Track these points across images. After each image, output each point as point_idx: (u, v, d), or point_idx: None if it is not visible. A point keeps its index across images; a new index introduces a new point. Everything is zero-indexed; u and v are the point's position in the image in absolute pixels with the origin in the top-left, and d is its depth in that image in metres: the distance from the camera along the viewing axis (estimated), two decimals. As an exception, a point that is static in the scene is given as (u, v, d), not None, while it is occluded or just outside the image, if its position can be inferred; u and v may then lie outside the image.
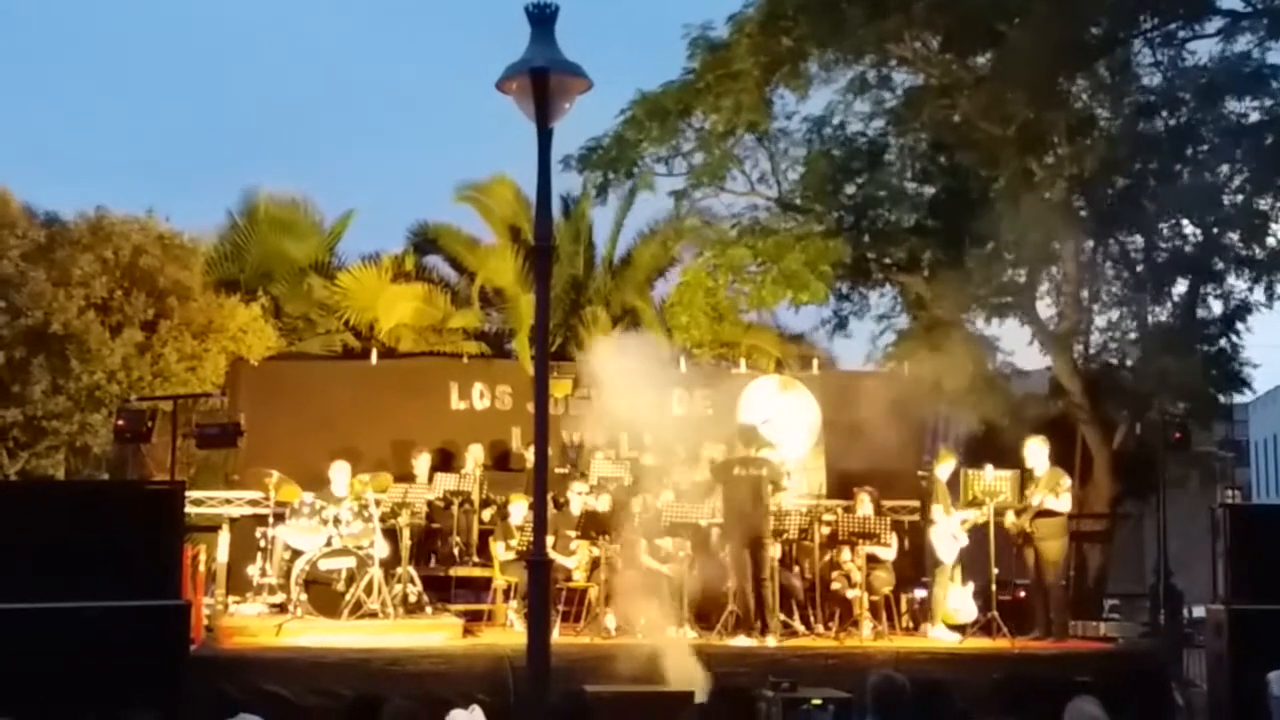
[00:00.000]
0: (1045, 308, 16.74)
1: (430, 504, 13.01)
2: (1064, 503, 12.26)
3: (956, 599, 12.38)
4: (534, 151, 7.52)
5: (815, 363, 16.95)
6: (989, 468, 12.56)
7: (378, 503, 12.10)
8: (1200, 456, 16.56)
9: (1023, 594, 12.70)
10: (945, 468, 12.78)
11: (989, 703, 8.12)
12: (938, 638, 12.19)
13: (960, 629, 12.28)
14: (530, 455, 12.40)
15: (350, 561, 11.60)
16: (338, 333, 17.52)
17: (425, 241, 19.05)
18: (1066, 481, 12.43)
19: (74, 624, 8.84)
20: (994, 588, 12.27)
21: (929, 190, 16.74)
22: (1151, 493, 14.96)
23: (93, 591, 8.95)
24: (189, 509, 11.54)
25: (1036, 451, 12.42)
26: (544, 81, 7.21)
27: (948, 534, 12.41)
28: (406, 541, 12.20)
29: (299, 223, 18.65)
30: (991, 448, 14.38)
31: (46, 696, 8.33)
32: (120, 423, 12.48)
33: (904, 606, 13.04)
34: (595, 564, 12.13)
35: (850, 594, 12.53)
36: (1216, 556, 10.96)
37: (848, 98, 16.69)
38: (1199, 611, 12.23)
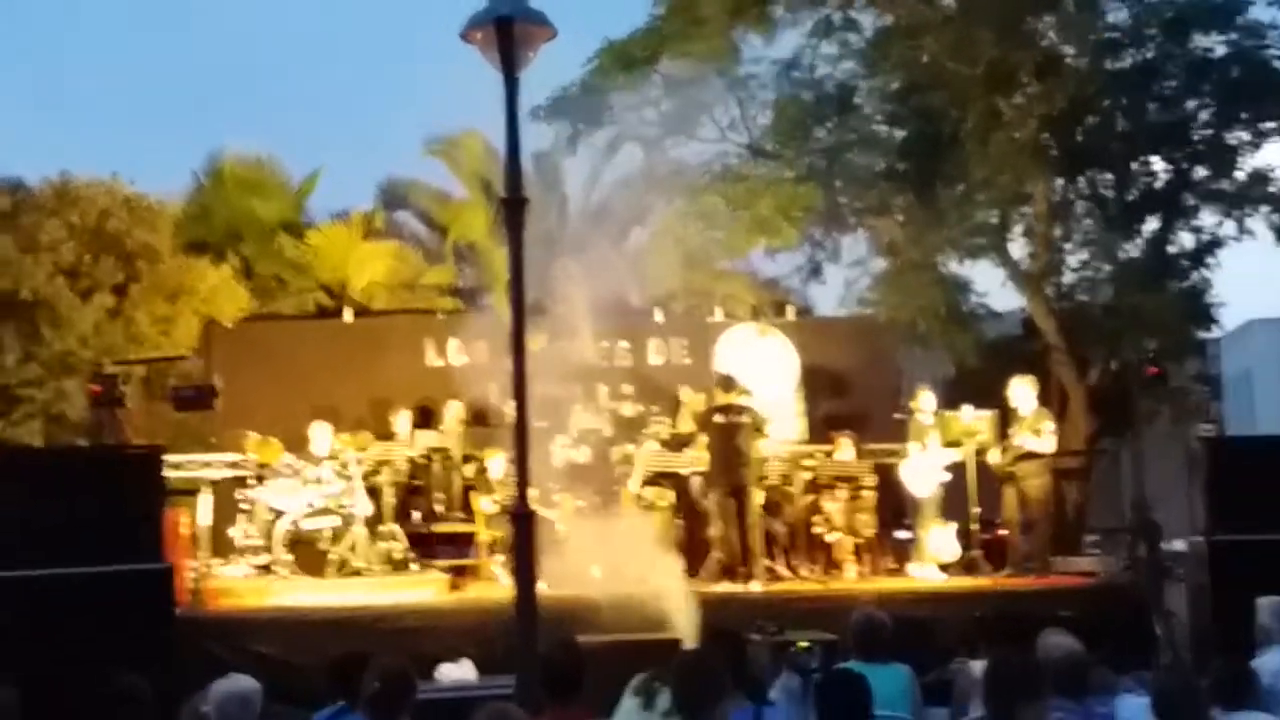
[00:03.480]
0: (1018, 248, 16.83)
1: (411, 461, 12.98)
2: (1047, 444, 12.33)
3: (938, 538, 12.47)
4: (502, 103, 7.46)
5: (790, 309, 16.95)
6: (967, 408, 12.63)
7: (359, 461, 12.09)
8: (1175, 392, 16.66)
9: (1003, 532, 12.79)
10: (926, 399, 12.77)
11: (972, 639, 8.18)
12: (922, 577, 12.28)
13: (944, 568, 12.38)
14: (509, 410, 12.37)
15: (333, 521, 11.61)
16: (310, 292, 17.42)
17: (395, 198, 18.95)
18: (1050, 424, 12.49)
19: (57, 590, 8.81)
20: (975, 526, 12.38)
21: (899, 133, 16.72)
22: (1127, 429, 15.08)
23: (75, 557, 8.90)
24: (168, 473, 11.46)
25: (1023, 391, 12.45)
26: (509, 30, 7.14)
27: (917, 471, 12.47)
28: (389, 499, 12.21)
29: (266, 182, 18.47)
30: (967, 389, 14.44)
31: (31, 663, 8.30)
32: (95, 388, 12.37)
33: (886, 548, 13.11)
34: (578, 516, 12.14)
35: (832, 537, 12.61)
36: (1195, 489, 11.05)
37: (814, 41, 16.65)
38: (1178, 545, 12.33)
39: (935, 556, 12.43)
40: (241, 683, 5.56)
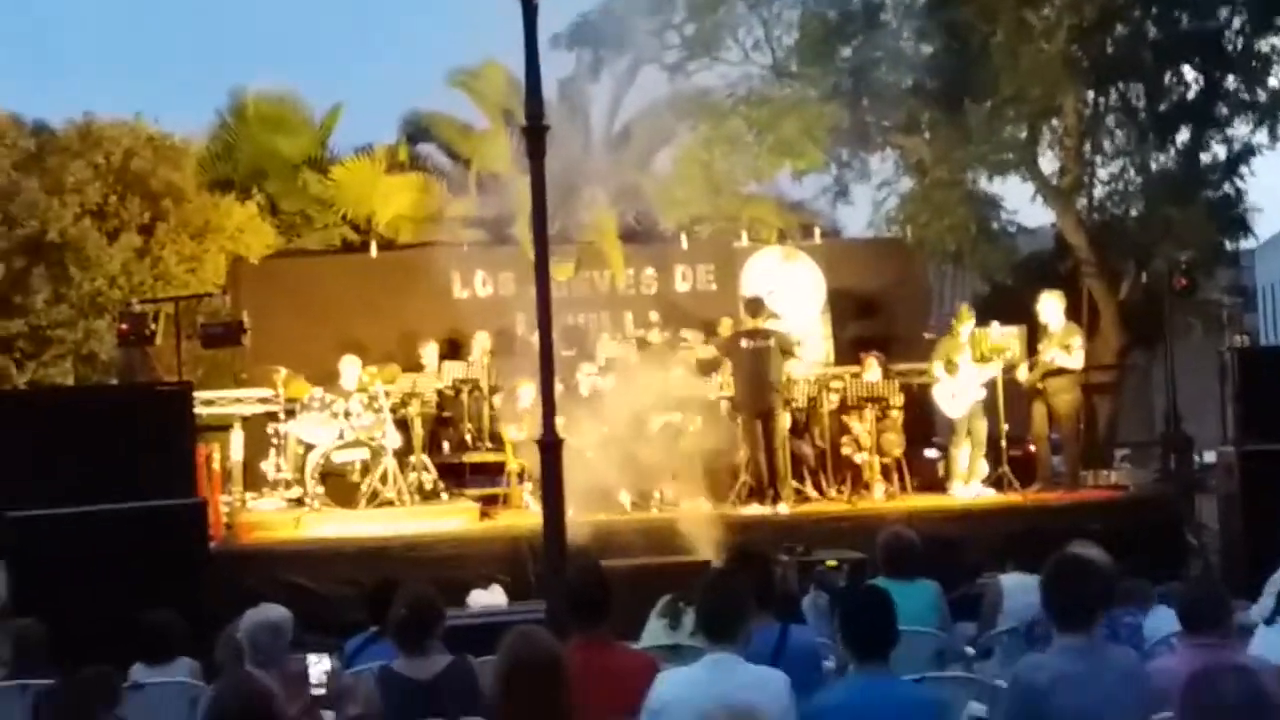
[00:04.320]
0: (1047, 163, 16.61)
1: (440, 393, 13.02)
2: (1076, 359, 12.20)
3: (967, 456, 12.42)
4: (522, 32, 7.39)
5: (817, 231, 16.81)
6: (995, 324, 12.52)
7: (387, 394, 12.14)
8: (1207, 304, 16.55)
9: (1032, 448, 12.74)
10: (967, 326, 12.63)
11: (1001, 555, 8.18)
12: (968, 495, 12.20)
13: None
14: (536, 340, 12.38)
15: (364, 453, 11.68)
16: (335, 227, 17.40)
17: (418, 130, 18.81)
18: (1079, 339, 12.35)
19: (93, 527, 8.94)
20: (1004, 443, 12.32)
21: (926, 49, 16.45)
22: (1159, 342, 14.97)
23: (109, 494, 9.03)
24: (200, 409, 11.57)
25: (1052, 307, 12.29)
26: (526, -45, 7.05)
27: (951, 393, 12.39)
28: (418, 431, 12.26)
29: (289, 118, 18.38)
30: (997, 306, 14.34)
31: (69, 599, 8.44)
32: (123, 326, 12.45)
33: (914, 468, 13.07)
34: (607, 443, 12.16)
35: (860, 458, 12.60)
36: (1226, 399, 10.98)
37: (840, -47, 16.36)
38: (1209, 457, 12.28)
39: (973, 474, 12.34)
40: (272, 612, 5.60)
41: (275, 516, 11.67)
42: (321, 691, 4.89)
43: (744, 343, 11.90)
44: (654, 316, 14.11)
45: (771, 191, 18.32)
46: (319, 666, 4.93)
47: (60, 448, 9.09)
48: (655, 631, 6.22)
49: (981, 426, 12.40)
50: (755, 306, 12.27)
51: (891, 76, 16.41)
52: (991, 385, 12.26)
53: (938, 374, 12.43)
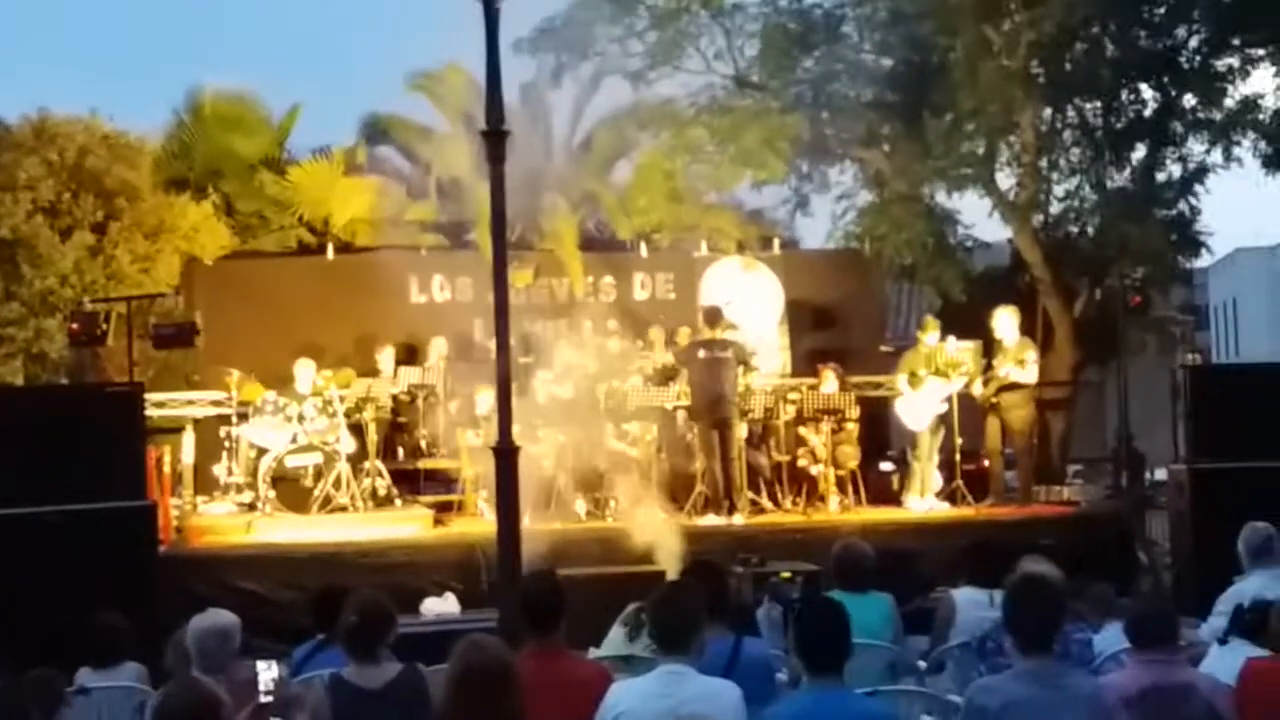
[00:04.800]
0: (1005, 178, 16.75)
1: (395, 398, 12.94)
2: (1030, 374, 12.29)
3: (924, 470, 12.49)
4: (484, 36, 7.36)
5: (776, 242, 16.86)
6: (951, 339, 12.59)
7: (341, 399, 12.05)
8: (1160, 321, 16.72)
9: (986, 463, 12.82)
10: (932, 335, 12.69)
11: (954, 568, 8.22)
12: (922, 509, 12.26)
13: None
14: (493, 346, 12.33)
15: (317, 458, 11.59)
16: (292, 229, 17.22)
17: (376, 133, 18.68)
18: (1033, 354, 12.44)
19: (40, 529, 8.83)
20: (958, 457, 12.40)
21: (887, 62, 16.57)
22: (1112, 359, 15.10)
23: (57, 496, 8.92)
24: (151, 411, 11.44)
25: (1006, 322, 12.38)
26: (488, -42, 7.03)
27: (913, 406, 12.45)
28: (373, 436, 12.18)
29: (246, 118, 18.21)
30: (953, 321, 14.43)
31: (16, 601, 8.31)
32: (74, 326, 12.31)
33: (870, 480, 13.13)
34: (563, 451, 12.14)
35: (815, 470, 12.63)
36: (1177, 417, 11.08)
37: (802, -33, 16.45)
38: (1160, 474, 12.39)
39: (926, 487, 12.42)
40: (220, 617, 5.53)
41: (226, 521, 11.55)
42: (269, 699, 4.82)
43: (701, 352, 11.89)
44: (612, 325, 14.08)
45: (731, 201, 18.37)
46: (267, 674, 4.86)
47: (8, 448, 8.97)
48: (615, 640, 6.20)
49: (937, 441, 12.48)
50: (713, 316, 12.27)
51: (852, 89, 16.53)
52: (947, 400, 12.33)
53: (901, 387, 12.49)
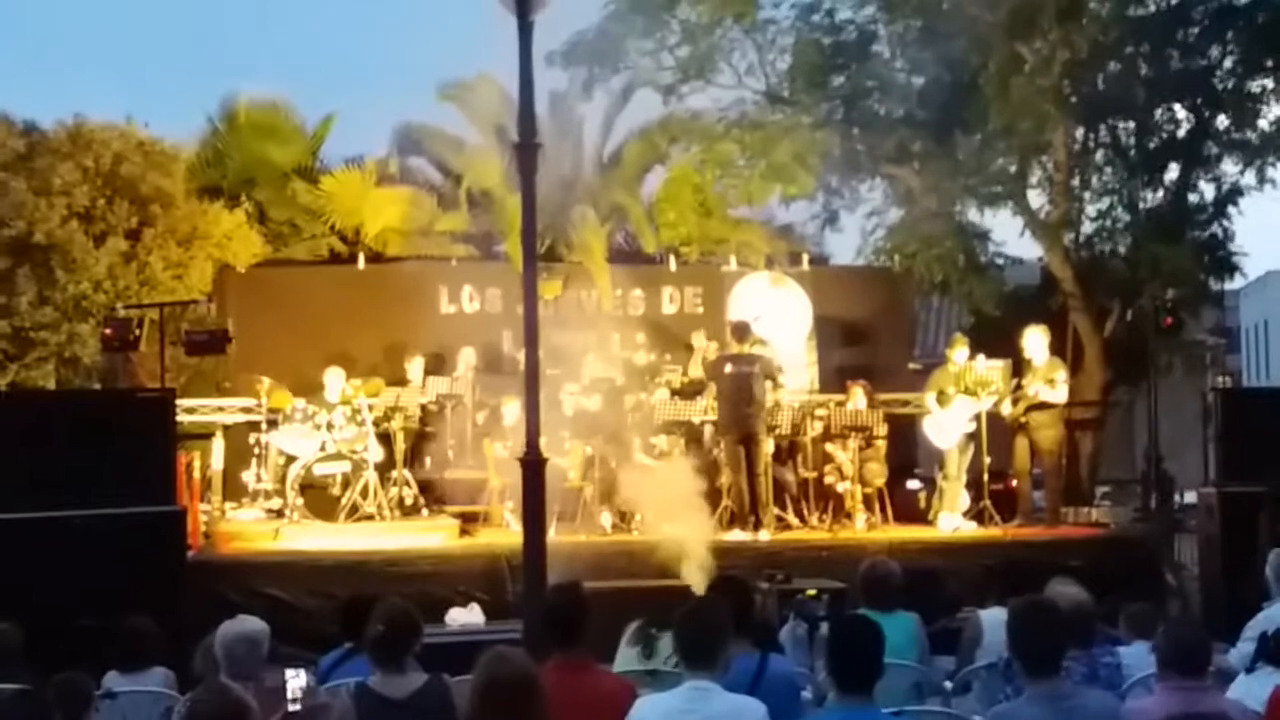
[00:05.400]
0: (1036, 197, 16.73)
1: (423, 408, 12.99)
2: (1059, 394, 12.23)
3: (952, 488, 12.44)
4: (516, 48, 7.39)
5: (805, 258, 16.85)
6: (980, 358, 12.55)
7: (370, 407, 12.10)
8: (1191, 343, 16.63)
9: (1014, 483, 12.75)
10: (961, 352, 12.65)
11: (981, 589, 8.18)
12: (951, 528, 12.21)
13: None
14: (522, 357, 12.36)
15: (345, 466, 11.64)
16: (324, 237, 17.33)
17: (409, 143, 18.77)
18: (1063, 374, 12.38)
19: (70, 533, 8.88)
20: (986, 477, 12.34)
21: (918, 80, 16.55)
22: (1143, 380, 15.01)
23: (88, 500, 8.98)
24: (182, 417, 11.51)
25: (1036, 341, 12.33)
26: (524, -27, 7.06)
27: (941, 424, 12.42)
28: (401, 445, 12.23)
29: (280, 127, 18.33)
30: (983, 339, 14.38)
31: (45, 605, 8.36)
32: (107, 331, 12.41)
33: (897, 498, 13.09)
34: (590, 463, 12.15)
35: (842, 487, 12.59)
36: (1208, 440, 11.00)
37: (836, -18, 16.47)
38: (1190, 496, 12.29)
39: (954, 507, 12.36)
40: (249, 624, 5.56)
41: (254, 527, 11.60)
42: (297, 707, 4.84)
43: (729, 367, 11.89)
44: (640, 338, 14.10)
45: (760, 216, 18.39)
46: (295, 681, 4.88)
47: (40, 452, 9.03)
48: (628, 659, 6.17)
49: (965, 459, 12.43)
50: (742, 331, 12.27)
51: (883, 106, 16.53)
52: (976, 419, 12.28)
53: (929, 405, 12.45)
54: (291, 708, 4.81)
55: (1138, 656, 5.76)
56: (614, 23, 16.50)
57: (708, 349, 13.49)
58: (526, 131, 7.99)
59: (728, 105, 17.00)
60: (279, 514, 11.71)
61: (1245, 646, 5.75)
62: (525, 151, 8.03)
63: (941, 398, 12.33)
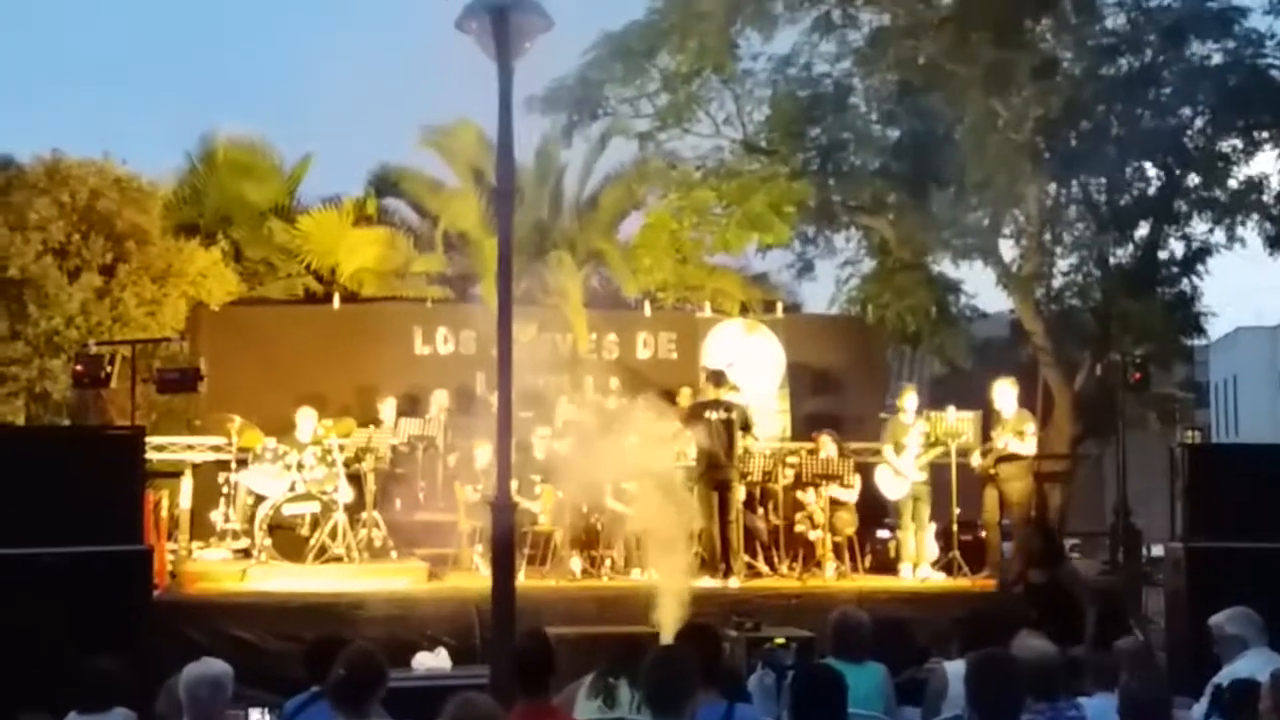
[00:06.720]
0: (1008, 250, 16.87)
1: (394, 449, 12.95)
2: (1028, 446, 12.31)
3: (912, 539, 12.50)
4: (496, 93, 7.43)
5: (779, 306, 16.95)
6: (951, 409, 12.63)
7: (341, 448, 12.06)
8: (1160, 397, 16.76)
9: (983, 534, 12.80)
10: (910, 399, 12.77)
11: (949, 640, 8.18)
12: (919, 577, 12.24)
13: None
14: (494, 400, 12.34)
15: (314, 506, 11.59)
16: (299, 277, 17.35)
17: (386, 184, 18.87)
18: (1031, 426, 12.47)
19: (34, 570, 8.77)
20: (955, 528, 12.38)
21: (894, 133, 16.72)
22: (1112, 433, 15.11)
23: (53, 537, 8.86)
24: (151, 455, 11.45)
25: (1005, 393, 12.42)
26: (504, 20, 7.12)
27: (889, 475, 12.54)
28: (371, 486, 12.19)
29: (258, 165, 18.39)
30: (953, 390, 14.49)
31: (6, 642, 8.28)
32: (78, 368, 12.35)
33: (866, 547, 13.12)
34: (561, 507, 12.14)
35: (813, 535, 12.62)
36: (1175, 495, 11.04)
37: (813, 38, 16.66)
38: (1157, 550, 12.34)
39: (921, 557, 12.42)
40: (212, 666, 5.52)
41: (221, 567, 11.52)
42: (259, 750, 4.82)
43: (707, 413, 11.92)
44: (614, 383, 14.12)
45: (736, 264, 18.51)
46: (258, 725, 4.86)
47: (7, 488, 8.94)
48: (588, 711, 6.13)
49: (924, 510, 12.51)
50: (718, 378, 12.32)
51: (859, 158, 16.67)
52: (945, 470, 12.34)
53: (888, 456, 12.55)
54: (254, 751, 4.78)
55: (1102, 710, 5.78)
56: (594, 69, 16.62)
57: (681, 394, 13.51)
58: (505, 177, 8.03)
59: (705, 153, 17.15)
60: (246, 554, 11.63)
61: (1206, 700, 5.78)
62: (503, 197, 8.07)
63: (897, 448, 12.47)
